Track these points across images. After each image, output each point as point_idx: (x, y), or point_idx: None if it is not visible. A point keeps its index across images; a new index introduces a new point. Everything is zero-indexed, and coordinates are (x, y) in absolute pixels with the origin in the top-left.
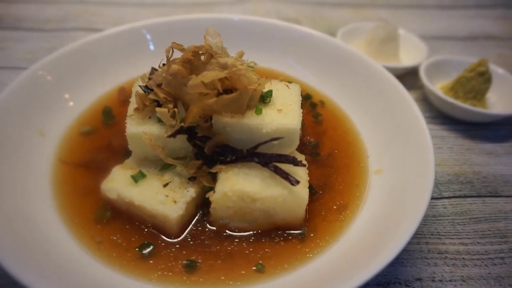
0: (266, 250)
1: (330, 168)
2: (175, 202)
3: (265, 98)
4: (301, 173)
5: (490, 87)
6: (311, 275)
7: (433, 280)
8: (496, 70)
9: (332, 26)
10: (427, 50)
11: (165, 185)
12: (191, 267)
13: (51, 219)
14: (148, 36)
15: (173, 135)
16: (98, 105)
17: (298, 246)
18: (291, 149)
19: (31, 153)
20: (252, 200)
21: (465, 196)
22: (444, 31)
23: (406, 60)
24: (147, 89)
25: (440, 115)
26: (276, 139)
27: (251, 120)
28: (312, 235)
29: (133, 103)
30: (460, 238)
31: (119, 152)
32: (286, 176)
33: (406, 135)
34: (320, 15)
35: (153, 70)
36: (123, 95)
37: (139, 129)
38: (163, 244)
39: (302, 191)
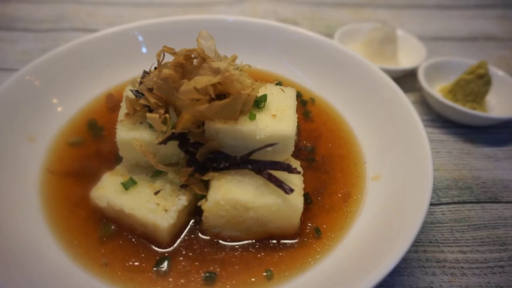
0: (276, 255)
1: (326, 174)
2: (166, 210)
3: (259, 103)
4: (296, 181)
5: (489, 90)
6: (311, 283)
7: None
8: (496, 72)
9: (331, 27)
10: (426, 52)
11: (156, 193)
12: (210, 279)
13: (40, 228)
14: (140, 38)
15: (163, 142)
16: (87, 110)
17: (299, 252)
18: (286, 156)
19: (18, 160)
20: (245, 209)
21: (464, 202)
22: (444, 32)
23: (404, 61)
24: (138, 93)
25: (438, 118)
26: (270, 145)
27: (245, 126)
28: (309, 241)
29: (123, 108)
30: (458, 246)
31: (110, 158)
32: (280, 184)
33: (404, 139)
34: (319, 16)
35: (145, 73)
36: (111, 101)
37: (129, 135)
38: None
39: (296, 199)
